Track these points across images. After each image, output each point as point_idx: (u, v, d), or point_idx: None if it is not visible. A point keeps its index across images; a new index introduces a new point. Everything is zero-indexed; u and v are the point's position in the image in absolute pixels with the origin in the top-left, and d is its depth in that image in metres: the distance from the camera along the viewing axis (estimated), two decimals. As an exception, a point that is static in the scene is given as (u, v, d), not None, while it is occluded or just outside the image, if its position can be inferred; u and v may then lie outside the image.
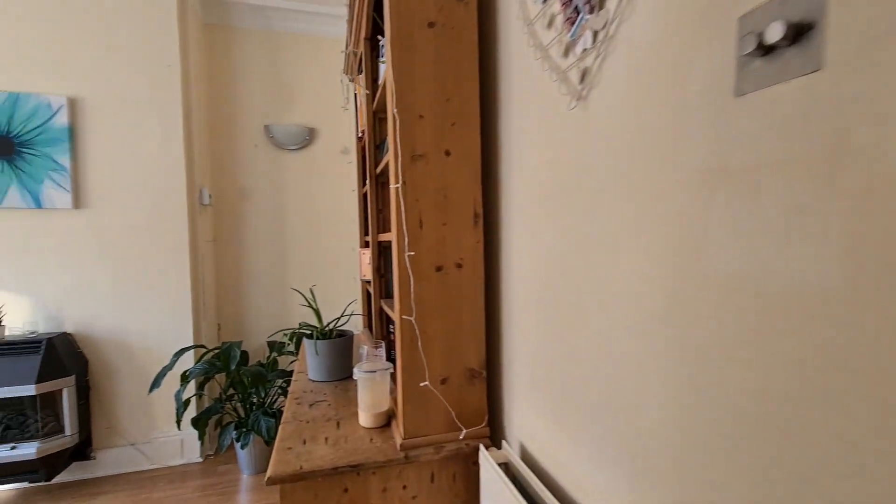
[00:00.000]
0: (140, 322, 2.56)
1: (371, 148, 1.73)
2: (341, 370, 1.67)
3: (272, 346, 2.79)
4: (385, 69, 1.19)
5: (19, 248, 2.37)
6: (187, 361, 2.57)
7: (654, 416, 0.64)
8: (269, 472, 1.02)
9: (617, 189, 0.71)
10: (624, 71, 0.68)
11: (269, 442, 2.46)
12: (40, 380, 2.17)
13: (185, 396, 2.33)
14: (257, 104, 3.06)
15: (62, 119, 2.36)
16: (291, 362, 2.78)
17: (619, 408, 0.71)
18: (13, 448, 2.14)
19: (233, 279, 3.07)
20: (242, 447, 2.43)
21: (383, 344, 1.42)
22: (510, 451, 1.06)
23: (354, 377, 1.24)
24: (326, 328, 1.69)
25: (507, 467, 1.04)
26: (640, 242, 0.66)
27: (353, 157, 3.19)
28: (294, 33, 3.09)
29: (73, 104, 2.40)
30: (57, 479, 2.43)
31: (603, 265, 0.74)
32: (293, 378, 1.70)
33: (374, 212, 1.76)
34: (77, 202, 2.42)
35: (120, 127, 2.48)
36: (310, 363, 1.65)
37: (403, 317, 1.09)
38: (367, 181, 1.79)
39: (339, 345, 1.64)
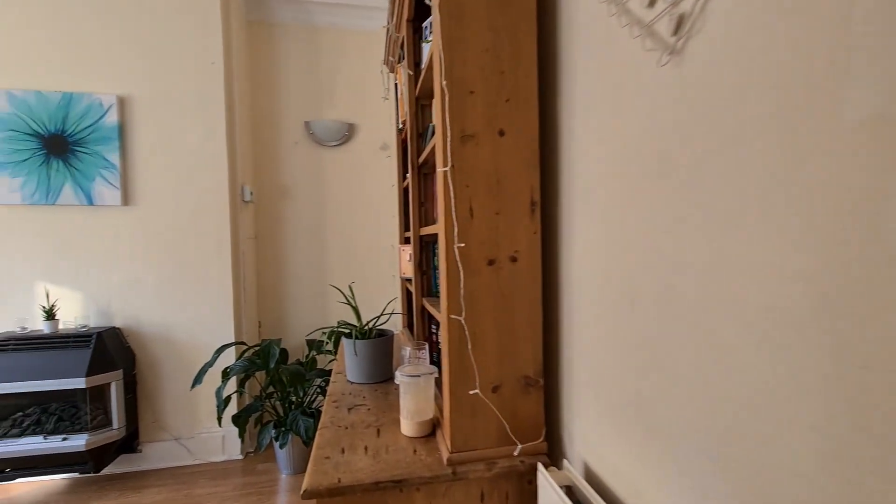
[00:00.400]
0: (184, 318, 2.58)
1: (413, 136, 1.63)
2: (381, 372, 1.57)
3: (311, 344, 2.75)
4: (433, 40, 1.08)
5: (73, 244, 2.44)
6: (228, 358, 2.57)
7: (794, 449, 0.49)
8: (304, 485, 0.93)
9: (731, 159, 0.56)
10: (743, 6, 0.54)
11: (308, 443, 2.42)
12: (90, 373, 2.21)
13: (225, 393, 2.32)
14: (297, 100, 3.04)
15: (112, 117, 2.41)
16: (330, 361, 2.73)
17: (739, 435, 0.57)
18: (64, 439, 2.19)
19: (273, 276, 3.07)
20: (281, 447, 2.39)
21: (426, 346, 1.32)
22: (573, 473, 0.92)
23: (396, 381, 1.14)
24: (366, 327, 1.60)
25: (570, 490, 0.90)
26: (774, 224, 0.51)
27: (393, 151, 3.12)
28: (334, 27, 3.06)
29: (122, 103, 2.45)
30: (105, 472, 2.48)
31: (709, 255, 0.60)
32: (332, 379, 1.63)
33: (416, 205, 1.66)
34: (126, 199, 2.47)
35: (165, 124, 2.52)
36: (349, 364, 1.57)
37: (451, 316, 0.97)
38: (409, 172, 1.70)
39: (379, 345, 1.55)
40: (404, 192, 2.34)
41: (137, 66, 2.46)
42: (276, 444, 2.41)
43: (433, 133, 1.53)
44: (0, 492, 2.31)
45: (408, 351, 1.23)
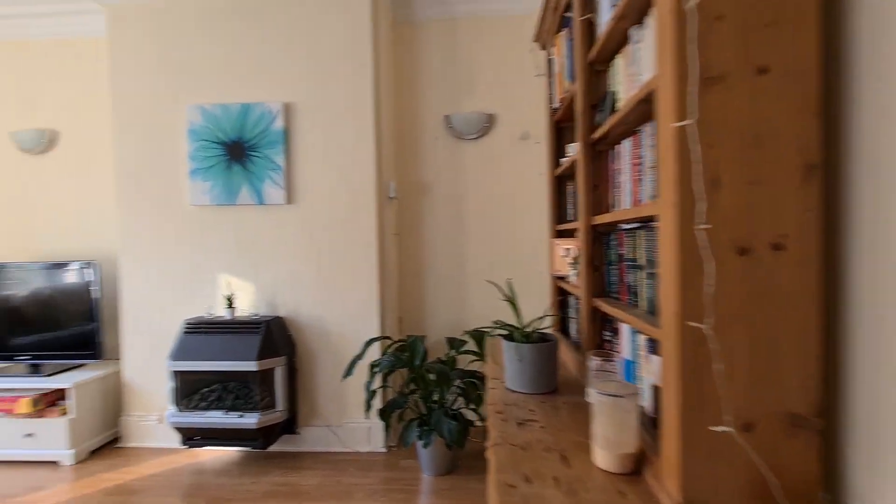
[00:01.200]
0: (336, 311, 2.70)
1: (584, 109, 1.39)
2: (546, 382, 1.37)
3: (451, 342, 2.67)
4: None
5: (248, 239, 2.71)
6: (373, 351, 2.61)
7: None
8: (493, 520, 0.76)
9: None
10: None
11: (451, 446, 2.33)
12: (260, 357, 2.41)
13: (372, 387, 2.34)
14: (437, 95, 3.01)
15: (279, 123, 2.61)
16: (470, 362, 2.62)
17: None
18: (240, 416, 2.42)
19: (413, 272, 3.08)
20: (425, 446, 2.34)
21: (614, 356, 1.07)
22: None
23: (590, 399, 0.92)
24: (527, 329, 1.41)
25: None
26: None
27: (542, 136, 2.90)
28: (473, 16, 2.96)
29: (287, 109, 2.64)
30: (270, 449, 2.70)
31: None
32: (489, 385, 1.47)
33: (586, 190, 1.41)
34: (289, 198, 2.66)
35: (322, 127, 2.66)
36: (510, 370, 1.39)
37: (689, 323, 0.72)
38: (577, 152, 1.46)
39: (545, 351, 1.35)
40: (558, 181, 2.11)
41: (299, 73, 2.64)
42: (420, 443, 2.37)
43: (613, 102, 1.28)
44: (191, 455, 2.66)
45: (595, 362, 1.00)
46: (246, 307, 2.72)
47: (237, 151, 2.65)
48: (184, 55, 2.69)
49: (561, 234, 2.06)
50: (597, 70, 1.39)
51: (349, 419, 2.72)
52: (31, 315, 2.78)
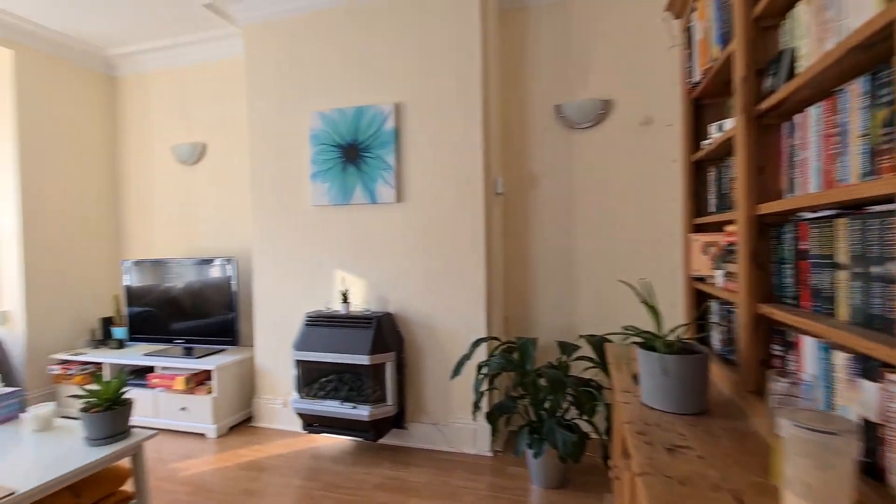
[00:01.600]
0: (442, 308, 2.68)
1: (747, 75, 1.15)
2: (695, 401, 1.16)
3: (563, 347, 2.50)
4: None
5: (361, 238, 2.81)
6: (481, 351, 2.54)
7: None
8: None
9: None
10: None
11: (565, 459, 2.16)
12: (372, 351, 2.48)
13: (480, 389, 2.26)
14: (547, 83, 2.84)
15: (390, 123, 2.67)
16: (585, 369, 2.41)
17: None
18: (354, 408, 2.51)
19: (519, 270, 2.95)
20: (535, 456, 2.20)
21: (800, 379, 0.85)
22: None
23: (785, 434, 0.72)
24: (669, 337, 1.21)
25: None
26: None
27: (675, 119, 2.58)
28: (589, -4, 2.74)
29: (397, 109, 2.69)
30: (380, 441, 2.77)
31: None
32: (619, 399, 1.29)
33: (748, 172, 1.17)
34: (399, 196, 2.70)
35: (429, 124, 2.66)
36: (648, 383, 1.20)
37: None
38: (736, 126, 1.22)
39: (694, 365, 1.14)
40: (695, 167, 1.83)
41: (408, 72, 2.67)
42: (530, 452, 2.23)
43: (791, 62, 1.03)
44: (310, 440, 2.83)
45: (780, 384, 0.79)
46: (359, 302, 2.82)
47: (352, 153, 2.76)
48: (306, 65, 2.88)
49: (699, 229, 1.78)
50: (764, 27, 1.15)
51: (455, 418, 2.68)
52: (186, 304, 3.20)
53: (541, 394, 2.27)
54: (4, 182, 3.20)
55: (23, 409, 1.94)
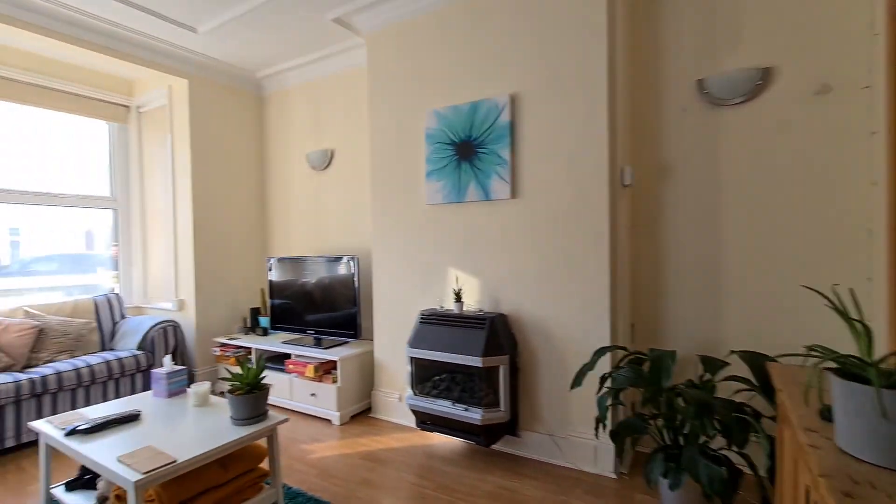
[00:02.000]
0: (559, 311, 2.48)
1: None
2: (928, 456, 0.83)
3: (707, 363, 2.12)
4: None
5: (474, 235, 2.75)
6: (604, 362, 2.29)
7: None
8: None
9: None
10: None
11: (710, 496, 1.82)
12: (485, 353, 2.39)
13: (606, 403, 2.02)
14: (686, 55, 2.46)
15: (505, 116, 2.56)
16: (736, 392, 2.01)
17: None
18: (466, 410, 2.44)
19: (649, 272, 2.61)
20: (672, 487, 1.89)
21: None
22: None
23: None
24: (882, 365, 0.89)
25: None
26: None
27: (872, 80, 2.04)
28: (742, -53, 2.30)
29: (513, 101, 2.57)
30: (492, 447, 2.67)
31: None
32: (805, 440, 1.00)
33: None
34: (513, 192, 2.58)
35: (547, 113, 2.48)
36: (850, 424, 0.90)
37: None
38: None
39: (927, 404, 0.82)
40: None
41: (524, 60, 2.53)
42: (665, 482, 1.93)
43: None
44: (424, 437, 2.85)
45: None
46: (472, 302, 2.76)
47: (466, 150, 2.71)
48: (422, 64, 2.92)
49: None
50: None
51: (572, 431, 2.46)
52: (317, 297, 3.48)
53: (679, 416, 1.95)
54: (184, 191, 3.83)
55: (189, 385, 2.25)
